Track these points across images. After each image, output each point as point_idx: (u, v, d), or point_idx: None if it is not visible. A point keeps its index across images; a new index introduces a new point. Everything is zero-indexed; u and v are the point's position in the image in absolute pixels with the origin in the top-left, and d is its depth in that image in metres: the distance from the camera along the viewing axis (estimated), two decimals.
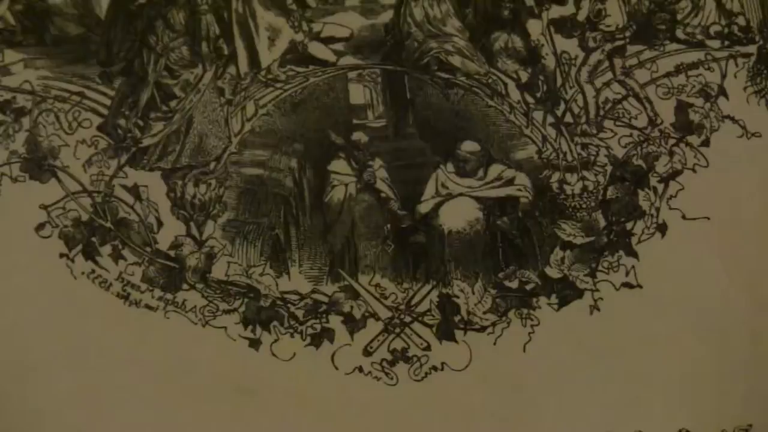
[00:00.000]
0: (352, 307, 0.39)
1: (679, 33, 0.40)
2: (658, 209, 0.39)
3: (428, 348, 0.39)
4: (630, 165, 0.39)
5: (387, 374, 0.39)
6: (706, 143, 0.40)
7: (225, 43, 0.40)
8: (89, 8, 0.41)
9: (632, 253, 0.39)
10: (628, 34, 0.40)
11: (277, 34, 0.40)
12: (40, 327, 0.43)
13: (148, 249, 0.39)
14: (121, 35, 0.41)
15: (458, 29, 0.40)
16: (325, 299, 0.39)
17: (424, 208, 0.40)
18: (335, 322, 0.39)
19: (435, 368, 0.39)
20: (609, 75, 0.40)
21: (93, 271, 0.39)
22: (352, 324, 0.39)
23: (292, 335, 0.39)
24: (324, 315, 0.39)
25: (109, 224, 0.39)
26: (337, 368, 0.39)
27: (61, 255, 0.40)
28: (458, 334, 0.39)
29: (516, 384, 0.40)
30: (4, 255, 0.42)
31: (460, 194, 0.39)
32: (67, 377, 0.42)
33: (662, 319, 0.40)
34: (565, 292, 0.39)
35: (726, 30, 0.40)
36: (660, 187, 0.39)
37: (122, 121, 0.39)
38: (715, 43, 0.40)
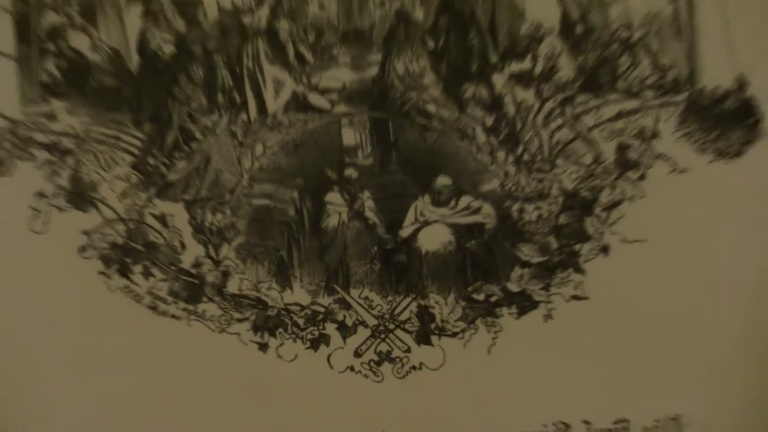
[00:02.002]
0: (344, 316, 0.41)
1: (620, 84, 0.41)
2: (601, 233, 0.41)
3: (408, 350, 0.41)
4: (578, 196, 0.41)
5: (374, 372, 0.41)
6: (642, 178, 0.41)
7: (237, 93, 0.41)
8: (122, 64, 0.44)
9: (580, 270, 0.41)
10: (576, 85, 0.42)
11: (282, 86, 0.43)
12: (80, 334, 0.43)
13: (174, 267, 0.41)
14: (150, 87, 0.44)
15: (434, 81, 0.42)
16: (322, 309, 0.41)
17: (405, 232, 0.41)
18: (331, 329, 0.41)
19: (414, 367, 0.41)
20: (561, 120, 0.42)
21: (127, 287, 0.41)
22: (345, 330, 0.41)
23: (294, 340, 0.41)
24: (321, 323, 0.41)
25: (140, 247, 0.41)
26: (332, 368, 0.41)
27: (100, 273, 0.41)
28: (434, 339, 0.41)
29: (482, 380, 0.41)
30: (53, 273, 0.43)
31: (436, 221, 0.41)
32: (104, 378, 0.44)
33: (606, 326, 0.41)
34: (524, 304, 0.41)
35: (659, 81, 0.42)
36: (603, 215, 0.41)
37: (151, 160, 0.41)
38: (650, 93, 0.41)
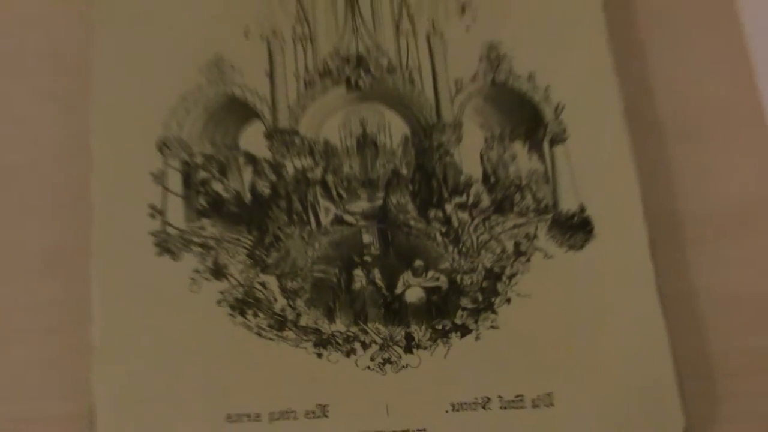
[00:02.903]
0: (365, 338, 0.51)
1: (515, 209, 0.53)
2: (506, 291, 0.51)
3: (400, 357, 0.51)
4: (493, 271, 0.52)
5: (381, 370, 0.50)
6: (528, 260, 0.52)
7: (305, 215, 0.53)
8: (241, 200, 0.53)
9: (495, 312, 0.51)
10: (491, 210, 0.53)
11: (329, 211, 0.54)
12: (215, 355, 0.50)
13: (270, 311, 0.51)
14: (257, 212, 0.52)
15: (412, 208, 0.53)
16: (352, 334, 0.51)
17: (398, 291, 0.52)
18: (357, 345, 0.51)
19: (404, 367, 0.50)
20: (482, 229, 0.53)
21: (243, 323, 0.50)
22: (364, 346, 0.51)
23: (337, 351, 0.50)
24: (351, 342, 0.51)
25: (251, 300, 0.51)
26: (357, 366, 0.50)
27: (228, 315, 0.50)
28: (414, 350, 0.51)
29: (440, 373, 0.50)
30: (201, 317, 0.51)
31: (414, 285, 0.52)
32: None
33: (511, 341, 0.51)
34: (464, 330, 0.51)
35: (537, 207, 0.53)
36: (507, 281, 0.52)
37: (257, 252, 0.52)
38: (532, 214, 0.53)
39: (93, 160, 0.52)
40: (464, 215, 0.53)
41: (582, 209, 0.53)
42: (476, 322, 0.51)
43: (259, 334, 0.50)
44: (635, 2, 0.59)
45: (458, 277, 0.52)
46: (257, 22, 0.55)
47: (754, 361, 0.52)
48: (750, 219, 0.54)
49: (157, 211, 0.51)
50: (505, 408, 0.48)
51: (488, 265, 0.52)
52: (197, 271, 0.51)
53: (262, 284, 0.51)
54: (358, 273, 0.52)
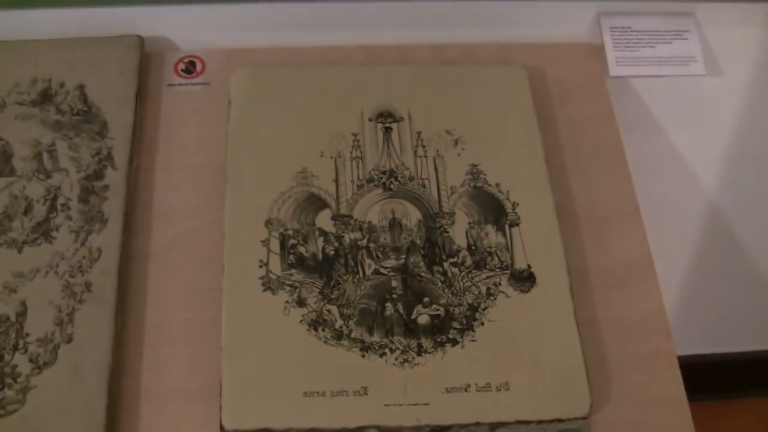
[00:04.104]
0: (391, 346, 0.65)
1: (487, 266, 0.67)
2: (481, 318, 0.66)
3: (414, 358, 0.64)
4: (473, 305, 0.66)
5: (402, 366, 0.64)
6: (495, 299, 0.67)
7: (356, 268, 0.68)
8: (317, 258, 0.67)
9: (473, 331, 0.65)
10: (472, 267, 0.68)
11: (370, 266, 0.68)
12: (304, 362, 0.63)
13: (332, 328, 0.65)
14: (326, 265, 0.67)
15: (423, 265, 0.68)
16: (384, 343, 0.65)
17: (413, 316, 0.66)
18: (386, 350, 0.64)
19: (416, 364, 0.64)
20: (467, 279, 0.67)
21: (316, 335, 0.64)
22: (391, 350, 0.65)
23: (375, 353, 0.64)
24: (383, 349, 0.65)
25: (321, 320, 0.66)
26: (386, 363, 0.64)
27: (307, 329, 0.64)
28: (423, 354, 0.65)
29: (441, 367, 0.64)
30: (290, 333, 0.64)
31: (423, 314, 0.66)
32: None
33: (485, 350, 0.64)
34: (453, 342, 0.65)
35: (501, 265, 0.67)
36: (482, 312, 0.66)
37: (325, 291, 0.66)
38: (498, 269, 0.67)
39: (226, 229, 0.66)
40: (455, 270, 0.66)
41: (529, 267, 0.66)
42: (462, 337, 0.63)
43: (325, 342, 0.62)
44: (562, 143, 0.75)
45: (451, 309, 0.64)
46: (329, 148, 0.70)
47: (642, 361, 0.64)
48: (630, 272, 0.68)
49: (263, 264, 0.65)
50: (479, 391, 0.60)
51: (470, 301, 0.65)
52: (287, 302, 0.64)
53: (328, 311, 0.64)
54: (388, 305, 0.64)
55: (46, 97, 0.70)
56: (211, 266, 0.66)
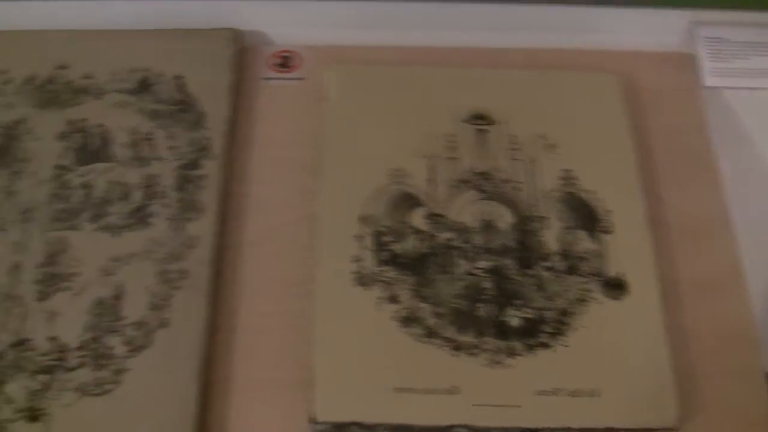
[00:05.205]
0: (483, 347, 0.66)
1: (579, 272, 0.67)
2: (572, 323, 0.67)
3: (505, 360, 0.65)
4: (565, 310, 0.67)
5: (493, 367, 0.65)
6: (587, 305, 0.67)
7: (449, 267, 0.67)
8: (410, 256, 0.68)
9: (565, 335, 0.66)
10: (564, 271, 0.68)
11: (462, 266, 0.68)
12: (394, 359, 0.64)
13: (424, 325, 0.66)
14: (419, 263, 0.68)
15: (515, 268, 0.68)
16: (475, 344, 0.66)
17: (504, 318, 0.66)
18: (478, 350, 0.65)
19: (507, 366, 0.65)
20: (558, 283, 0.68)
21: (407, 332, 0.66)
22: (482, 351, 0.66)
23: (465, 353, 0.65)
24: (474, 348, 0.65)
25: (413, 318, 0.67)
26: (478, 364, 0.64)
27: (398, 326, 0.66)
28: (514, 357, 0.66)
29: (530, 373, 0.65)
30: (381, 329, 0.65)
31: (515, 316, 0.67)
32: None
33: (577, 355, 0.65)
34: (545, 346, 0.66)
35: (593, 272, 0.68)
36: (574, 317, 0.67)
37: (418, 289, 0.67)
38: (590, 276, 0.68)
39: (318, 223, 0.67)
40: (547, 274, 0.66)
41: (621, 275, 0.66)
42: (553, 341, 0.64)
43: (417, 340, 0.63)
44: (654, 152, 0.74)
45: (543, 313, 0.65)
46: (424, 148, 0.71)
47: (731, 373, 0.65)
48: (720, 283, 0.69)
49: (357, 259, 0.66)
50: (569, 396, 0.61)
51: (561, 306, 0.65)
52: (379, 298, 0.64)
53: (420, 309, 0.65)
54: (480, 306, 0.64)
55: (144, 86, 0.71)
56: (301, 260, 0.68)
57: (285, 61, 0.73)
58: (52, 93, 0.71)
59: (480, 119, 0.70)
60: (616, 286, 0.67)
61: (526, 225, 0.69)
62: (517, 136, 0.70)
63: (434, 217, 0.69)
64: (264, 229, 0.70)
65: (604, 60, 0.76)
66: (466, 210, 0.70)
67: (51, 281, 0.64)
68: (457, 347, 0.64)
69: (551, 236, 0.68)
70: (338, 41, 0.73)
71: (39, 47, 0.75)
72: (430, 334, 0.65)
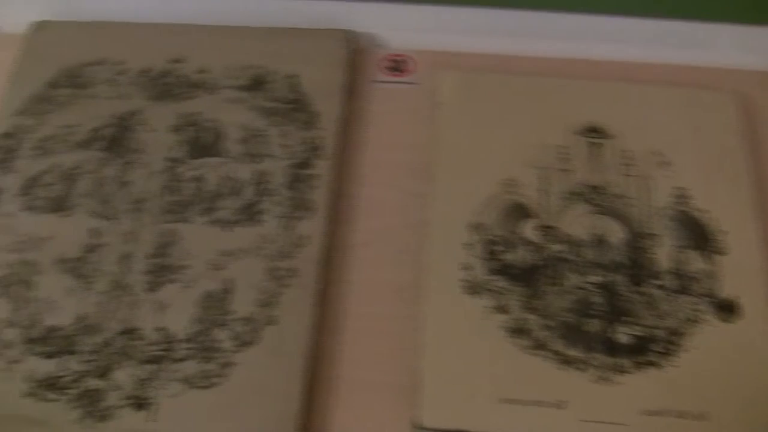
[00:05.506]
0: (591, 362, 0.65)
1: (691, 292, 0.67)
2: (683, 344, 0.66)
3: (613, 377, 0.65)
4: (676, 330, 0.66)
5: (600, 383, 0.64)
6: (698, 325, 0.67)
7: (558, 280, 0.68)
8: (521, 266, 0.67)
9: (676, 356, 0.65)
10: (676, 291, 0.67)
11: (572, 279, 0.68)
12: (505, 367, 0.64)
13: (531, 338, 0.66)
14: (529, 274, 0.69)
15: (626, 284, 0.67)
16: (582, 359, 0.65)
17: (613, 334, 0.65)
18: (585, 365, 0.65)
19: (615, 383, 0.65)
20: (669, 302, 0.67)
21: (513, 342, 0.66)
22: (590, 367, 0.65)
23: (572, 368, 0.64)
24: (582, 363, 0.65)
25: (520, 329, 0.66)
26: (585, 379, 0.64)
27: (504, 336, 0.66)
28: (623, 374, 0.65)
29: (638, 392, 0.64)
30: (488, 338, 0.66)
31: (624, 333, 0.66)
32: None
33: (687, 376, 0.64)
34: (656, 365, 0.66)
35: (705, 293, 0.67)
36: (684, 337, 0.65)
37: (527, 300, 0.67)
38: (702, 297, 0.66)
39: (429, 229, 0.68)
40: (658, 292, 0.66)
41: (735, 298, 0.66)
42: (663, 360, 0.64)
43: (524, 351, 0.63)
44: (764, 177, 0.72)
45: (653, 332, 0.65)
46: (536, 159, 0.71)
47: None
48: None
49: (466, 267, 0.66)
50: (677, 418, 0.61)
51: (672, 325, 0.65)
52: (486, 307, 0.65)
53: (529, 320, 0.66)
54: (589, 320, 0.65)
55: (258, 83, 0.72)
56: (409, 264, 0.69)
57: (397, 65, 0.73)
58: (166, 86, 0.72)
59: (594, 132, 0.70)
60: (729, 309, 0.67)
61: (637, 242, 0.69)
62: (631, 152, 0.70)
63: (545, 229, 0.69)
64: (373, 232, 0.71)
65: (720, 77, 0.76)
66: (578, 223, 0.70)
67: (161, 272, 0.65)
68: (565, 361, 0.65)
69: (663, 254, 0.68)
70: (451, 47, 0.74)
71: (155, 40, 0.77)
72: (538, 346, 0.65)
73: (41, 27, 0.77)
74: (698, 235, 0.69)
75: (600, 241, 0.69)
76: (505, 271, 0.68)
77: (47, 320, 0.63)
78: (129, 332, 0.63)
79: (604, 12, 0.72)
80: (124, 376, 0.62)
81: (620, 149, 0.69)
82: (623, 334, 0.66)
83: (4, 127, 0.71)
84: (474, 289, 0.67)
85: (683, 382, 0.64)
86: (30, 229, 0.66)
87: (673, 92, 0.73)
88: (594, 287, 0.67)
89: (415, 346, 0.65)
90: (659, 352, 0.65)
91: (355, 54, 0.76)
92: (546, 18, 0.75)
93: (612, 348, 0.65)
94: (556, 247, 0.69)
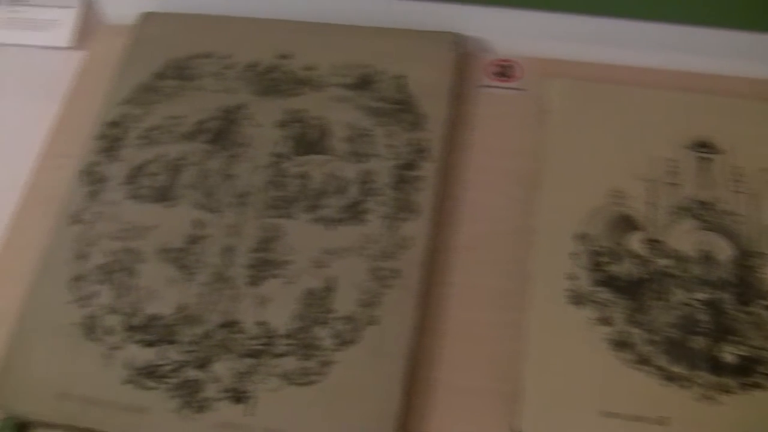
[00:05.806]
0: (695, 381, 0.65)
1: None
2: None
3: (717, 397, 0.64)
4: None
5: (704, 403, 0.64)
6: None
7: (664, 295, 0.67)
8: (627, 278, 0.67)
9: None
10: None
11: (678, 295, 0.67)
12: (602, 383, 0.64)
13: (635, 352, 0.65)
14: (636, 287, 0.69)
15: (732, 303, 0.67)
16: (686, 376, 0.64)
17: (718, 353, 0.65)
18: (689, 383, 0.64)
19: (720, 403, 0.64)
20: None
21: (616, 355, 0.65)
22: (693, 386, 0.65)
23: (676, 385, 0.64)
24: (685, 381, 0.64)
25: (624, 342, 0.66)
26: (689, 398, 0.63)
27: (607, 348, 0.65)
28: (728, 394, 0.65)
29: (743, 415, 0.63)
30: (590, 350, 0.66)
31: (729, 352, 0.65)
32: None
33: None
34: (763, 388, 0.65)
35: None
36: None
37: (632, 314, 0.67)
38: None
39: (535, 237, 0.68)
40: (766, 313, 0.66)
41: None
42: None
43: (627, 365, 0.63)
44: None
45: (760, 353, 0.63)
46: (644, 171, 0.71)
47: None
48: None
49: (571, 277, 0.66)
50: None
51: None
52: (590, 319, 0.64)
53: (633, 334, 0.66)
54: (694, 337, 0.65)
55: (365, 82, 0.73)
56: (512, 271, 0.69)
57: (504, 70, 0.74)
58: (272, 81, 0.73)
59: (704, 147, 0.69)
60: None
61: (746, 260, 0.68)
62: (741, 168, 0.69)
63: (652, 243, 0.69)
64: (477, 236, 0.71)
65: None
66: (685, 238, 0.69)
67: (263, 267, 0.66)
68: (669, 377, 0.64)
69: None
70: (560, 54, 0.74)
71: (262, 35, 0.78)
72: (642, 360, 0.65)
73: (149, 18, 0.78)
74: None
75: (707, 258, 0.68)
76: (610, 282, 0.67)
77: (148, 309, 0.65)
78: (229, 325, 0.64)
79: (717, 25, 0.70)
80: (223, 368, 0.63)
81: (730, 165, 0.69)
82: (729, 354, 0.64)
83: (112, 116, 0.73)
84: (578, 299, 0.67)
85: None
86: (134, 218, 0.68)
87: None
88: (700, 304, 0.66)
89: (516, 354, 0.65)
90: (766, 374, 0.64)
91: (462, 57, 0.76)
92: (655, 29, 0.75)
93: (717, 367, 0.64)
94: (663, 261, 0.68)
